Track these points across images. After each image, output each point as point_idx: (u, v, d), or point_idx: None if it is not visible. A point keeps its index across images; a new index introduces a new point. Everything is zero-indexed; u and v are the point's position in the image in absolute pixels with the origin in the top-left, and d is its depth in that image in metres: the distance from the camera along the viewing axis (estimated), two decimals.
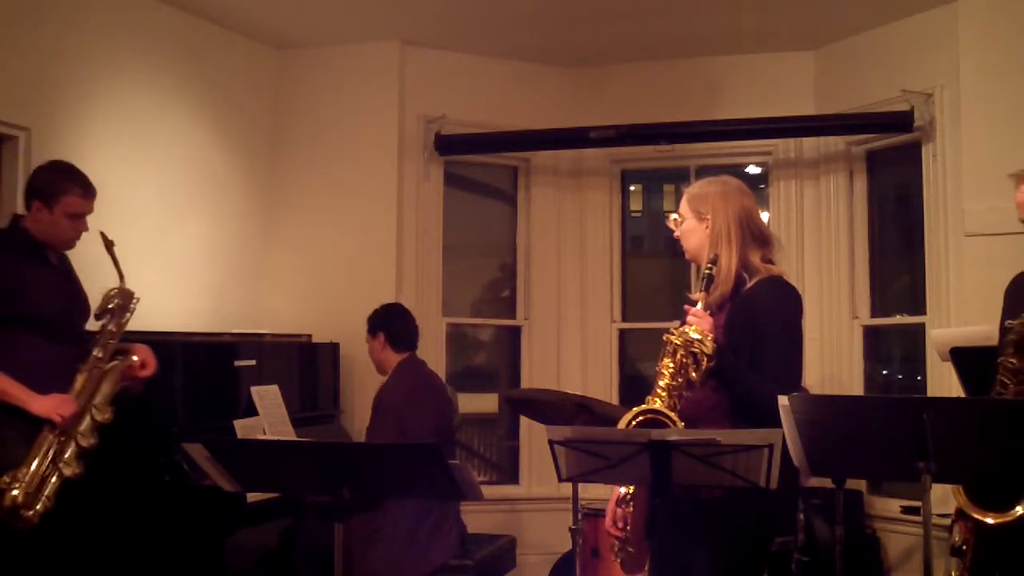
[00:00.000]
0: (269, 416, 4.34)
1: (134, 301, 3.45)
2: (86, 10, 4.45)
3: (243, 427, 4.15)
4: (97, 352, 3.35)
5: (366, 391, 4.93)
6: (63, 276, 3.48)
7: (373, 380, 4.66)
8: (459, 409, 5.71)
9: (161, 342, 4.18)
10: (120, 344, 3.43)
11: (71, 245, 3.46)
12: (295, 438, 4.26)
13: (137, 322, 4.21)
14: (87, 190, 3.40)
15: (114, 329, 3.40)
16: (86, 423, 3.27)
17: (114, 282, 3.43)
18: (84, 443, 3.24)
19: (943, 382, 4.58)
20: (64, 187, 3.34)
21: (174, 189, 4.95)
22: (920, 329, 5.00)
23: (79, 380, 3.30)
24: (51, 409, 3.18)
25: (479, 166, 6.00)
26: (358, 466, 2.70)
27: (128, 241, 4.55)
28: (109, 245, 3.42)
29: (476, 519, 4.87)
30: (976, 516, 2.94)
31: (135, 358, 3.44)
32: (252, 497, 3.92)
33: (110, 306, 3.41)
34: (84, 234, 3.43)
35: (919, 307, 5.03)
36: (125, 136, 4.64)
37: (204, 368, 4.31)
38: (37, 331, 3.29)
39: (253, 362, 4.48)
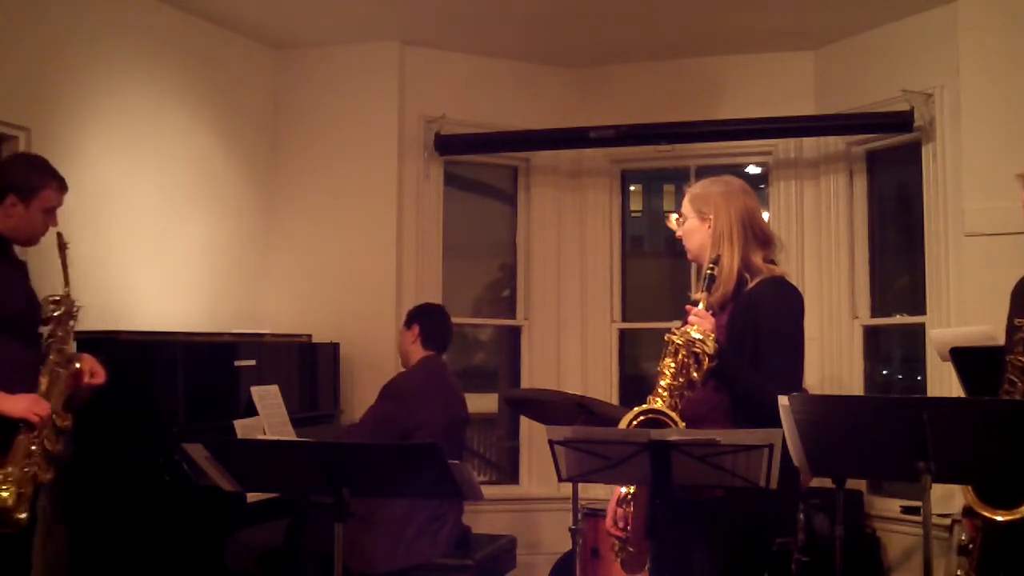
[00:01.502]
0: (269, 416, 4.34)
1: (76, 308, 3.35)
2: (86, 10, 4.45)
3: (243, 427, 4.15)
4: (53, 356, 3.26)
5: (366, 391, 4.93)
6: (27, 273, 3.41)
7: (373, 380, 4.65)
8: None
9: (161, 342, 4.20)
10: (68, 352, 3.32)
11: (36, 241, 3.37)
12: (295, 438, 4.26)
13: (138, 322, 4.22)
14: (62, 184, 3.35)
15: (62, 334, 3.30)
16: (49, 428, 3.16)
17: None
18: (50, 447, 3.14)
19: (943, 382, 4.58)
20: (43, 181, 3.29)
21: (174, 189, 4.95)
22: (920, 329, 5.00)
23: (43, 383, 3.21)
24: (27, 409, 3.09)
25: (479, 166, 6.00)
26: (358, 466, 2.70)
27: (128, 241, 4.59)
28: (63, 247, 3.30)
29: (476, 519, 4.87)
30: (985, 514, 2.93)
31: (77, 365, 3.30)
32: (252, 497, 3.92)
33: (56, 314, 3.30)
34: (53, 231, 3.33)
35: (919, 307, 5.03)
36: (125, 136, 4.64)
37: (204, 368, 4.30)
38: (6, 331, 3.21)
39: (253, 362, 4.48)
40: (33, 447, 3.11)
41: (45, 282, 3.43)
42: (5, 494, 3.02)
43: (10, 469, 3.06)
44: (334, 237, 5.51)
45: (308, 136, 5.60)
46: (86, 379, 3.31)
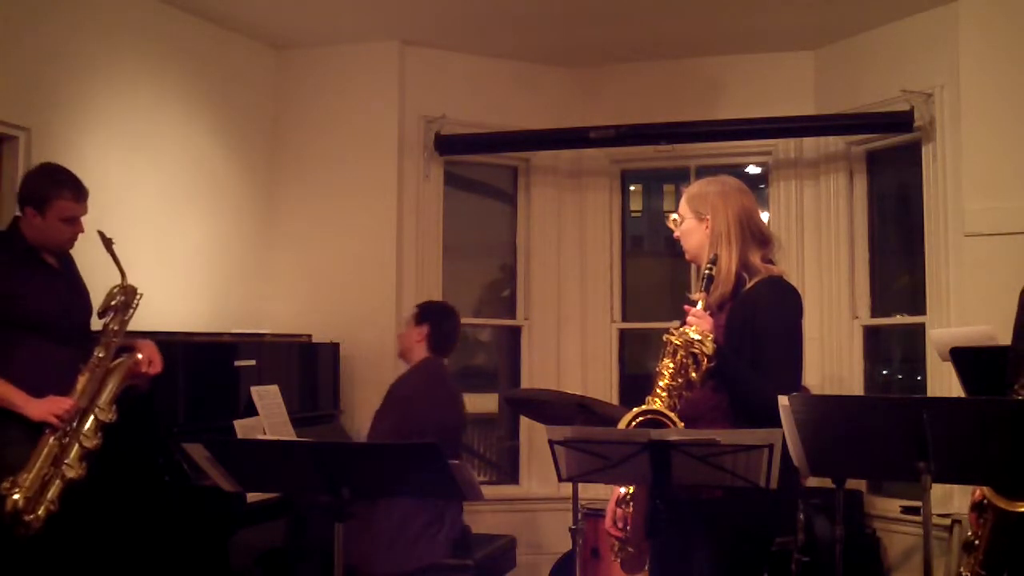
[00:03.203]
0: (269, 416, 4.34)
1: (137, 297, 3.45)
2: (86, 11, 4.45)
3: (243, 427, 4.15)
4: (99, 351, 3.34)
5: (366, 391, 4.94)
6: (63, 277, 3.47)
7: (373, 380, 4.66)
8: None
9: (162, 342, 4.18)
10: (125, 341, 3.42)
11: (68, 247, 3.45)
12: (295, 438, 4.26)
13: (137, 322, 4.21)
14: (78, 192, 3.38)
15: (116, 327, 3.39)
16: (90, 424, 3.26)
17: (116, 280, 3.43)
18: (88, 444, 3.22)
19: (943, 382, 4.58)
20: (54, 192, 3.32)
21: (174, 189, 4.95)
22: (920, 329, 5.00)
23: (81, 381, 3.29)
24: (46, 412, 3.16)
25: (479, 166, 6.00)
26: (358, 466, 2.70)
27: (128, 241, 4.56)
28: (108, 243, 3.40)
29: (476, 519, 4.87)
30: (1002, 505, 2.90)
31: (139, 355, 3.42)
32: (252, 497, 3.92)
33: (113, 303, 3.40)
34: (82, 235, 3.42)
35: (919, 307, 5.03)
36: (125, 136, 4.64)
37: (204, 368, 4.31)
38: (38, 333, 3.28)
39: (253, 362, 4.48)
40: (57, 447, 3.18)
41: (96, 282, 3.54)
42: (15, 497, 3.08)
43: (24, 475, 3.11)
44: (334, 237, 5.51)
45: (308, 136, 5.60)
46: (144, 368, 3.40)
